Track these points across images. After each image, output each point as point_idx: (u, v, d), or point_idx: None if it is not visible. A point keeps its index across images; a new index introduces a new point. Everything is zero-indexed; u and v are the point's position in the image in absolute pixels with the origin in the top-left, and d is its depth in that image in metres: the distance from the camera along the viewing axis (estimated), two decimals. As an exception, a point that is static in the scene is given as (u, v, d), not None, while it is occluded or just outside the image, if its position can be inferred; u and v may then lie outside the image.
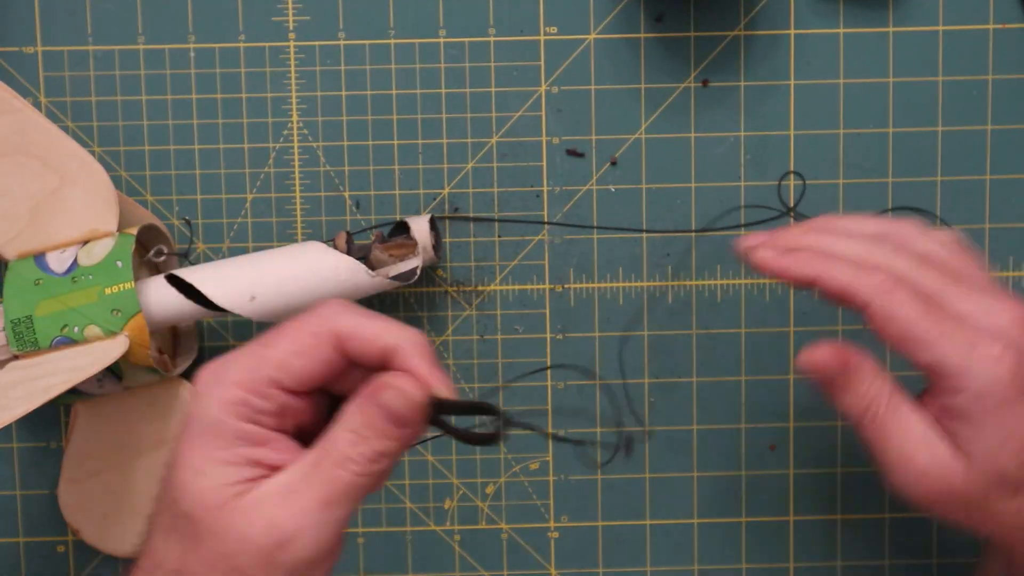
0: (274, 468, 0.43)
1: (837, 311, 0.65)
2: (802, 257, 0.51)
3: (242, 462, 0.43)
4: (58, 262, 0.59)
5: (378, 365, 0.44)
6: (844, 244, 0.52)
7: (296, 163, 0.65)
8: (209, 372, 0.44)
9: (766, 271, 0.51)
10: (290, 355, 0.43)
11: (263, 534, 0.42)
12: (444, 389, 0.44)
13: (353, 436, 0.43)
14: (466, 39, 0.64)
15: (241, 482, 0.43)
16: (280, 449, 0.44)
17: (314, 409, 0.46)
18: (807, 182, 0.65)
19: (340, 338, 0.44)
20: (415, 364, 0.44)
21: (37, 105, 0.64)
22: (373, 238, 0.61)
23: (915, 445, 0.50)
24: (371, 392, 0.43)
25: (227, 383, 0.43)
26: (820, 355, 0.51)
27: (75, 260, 0.59)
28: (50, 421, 0.65)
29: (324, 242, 0.60)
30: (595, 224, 0.65)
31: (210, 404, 0.43)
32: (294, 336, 0.44)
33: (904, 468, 0.50)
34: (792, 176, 0.65)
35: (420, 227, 0.61)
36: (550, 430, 0.64)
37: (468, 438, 0.45)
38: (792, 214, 0.65)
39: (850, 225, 0.53)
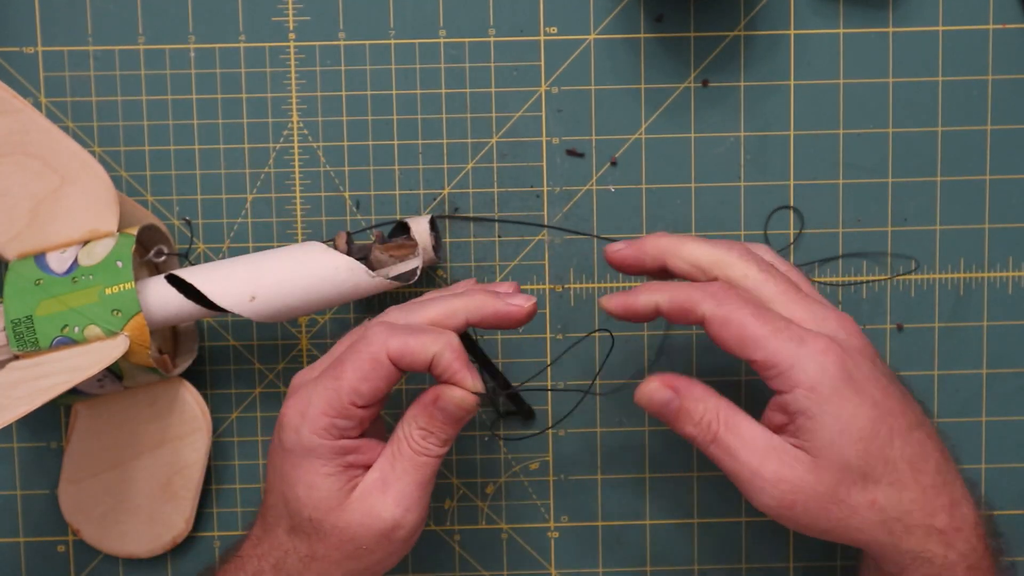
0: (367, 466, 0.55)
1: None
2: (641, 291, 0.55)
3: (342, 470, 0.54)
4: (58, 262, 0.59)
5: (426, 369, 0.53)
6: (688, 251, 0.55)
7: (296, 163, 0.65)
8: (295, 410, 0.54)
9: (616, 313, 0.55)
10: (358, 381, 0.53)
11: (377, 519, 0.54)
12: (475, 384, 0.54)
13: (424, 432, 0.54)
14: (466, 39, 0.64)
15: (346, 485, 0.54)
16: (366, 449, 0.55)
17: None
18: (808, 231, 0.65)
19: (393, 358, 0.53)
20: (454, 368, 0.53)
21: (37, 105, 0.64)
22: (373, 238, 0.61)
23: (761, 455, 0.52)
24: (431, 399, 0.54)
25: (315, 415, 0.53)
26: (649, 390, 0.54)
27: (75, 260, 0.59)
28: (50, 421, 0.65)
29: (324, 242, 0.60)
30: (595, 224, 0.65)
31: (305, 434, 0.54)
32: (357, 364, 0.53)
33: (756, 480, 0.52)
34: (791, 212, 0.65)
35: (420, 227, 0.61)
36: (550, 384, 0.64)
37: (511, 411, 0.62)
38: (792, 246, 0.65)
39: (694, 240, 0.56)
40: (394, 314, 0.56)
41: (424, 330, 0.54)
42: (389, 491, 0.54)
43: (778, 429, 0.53)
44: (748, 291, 0.54)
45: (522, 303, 0.55)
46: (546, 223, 0.65)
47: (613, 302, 0.55)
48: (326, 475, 0.54)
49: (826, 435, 0.51)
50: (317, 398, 0.54)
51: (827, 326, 0.53)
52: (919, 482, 0.52)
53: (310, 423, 0.54)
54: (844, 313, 0.54)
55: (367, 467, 0.55)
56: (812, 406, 0.51)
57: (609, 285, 0.65)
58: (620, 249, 0.56)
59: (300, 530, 0.55)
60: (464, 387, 0.53)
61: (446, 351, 0.53)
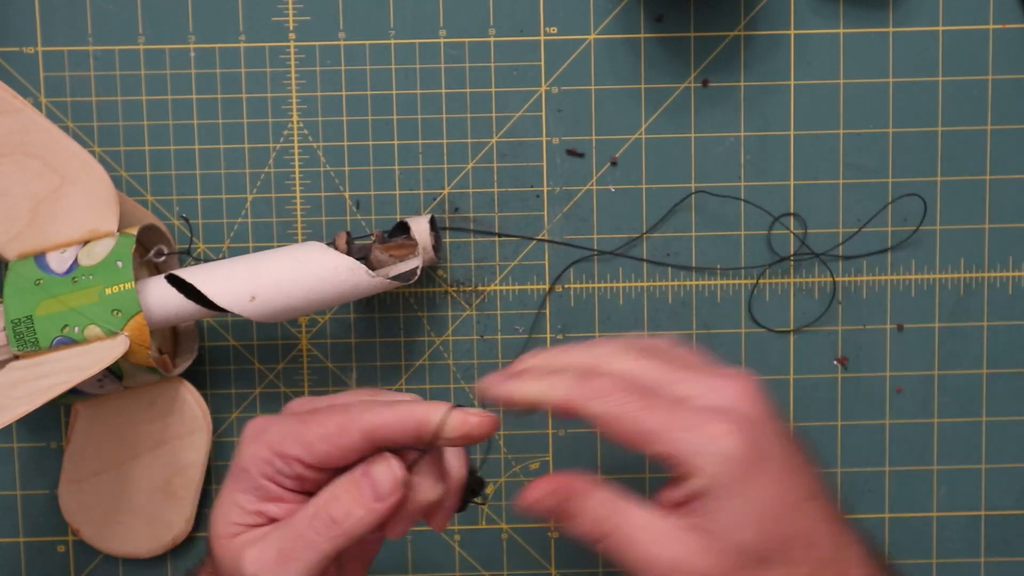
0: (272, 522, 0.50)
1: (837, 310, 0.65)
2: (522, 380, 0.51)
3: (251, 509, 0.50)
4: (58, 262, 0.59)
5: (412, 443, 0.49)
6: (563, 360, 0.52)
7: (296, 163, 0.65)
8: (255, 426, 0.51)
9: (494, 400, 0.51)
10: (317, 438, 0.49)
11: (233, 572, 0.49)
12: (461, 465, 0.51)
13: (329, 496, 0.49)
14: (466, 39, 0.64)
15: (242, 525, 0.50)
16: (285, 509, 0.50)
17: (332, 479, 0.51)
18: (808, 231, 0.65)
19: (366, 432, 0.49)
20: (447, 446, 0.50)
21: (37, 105, 0.64)
22: (373, 238, 0.61)
23: (658, 544, 0.49)
24: (364, 465, 0.49)
25: (261, 442, 0.50)
26: (537, 492, 0.51)
27: (75, 260, 0.59)
28: (50, 421, 0.65)
29: (324, 242, 0.60)
30: (595, 224, 0.65)
31: (244, 454, 0.50)
32: (325, 423, 0.49)
33: (654, 568, 0.49)
34: (792, 219, 0.65)
35: (420, 227, 0.61)
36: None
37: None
38: (792, 260, 0.65)
39: (566, 349, 0.53)
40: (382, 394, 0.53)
41: (409, 402, 0.50)
42: (254, 548, 0.49)
43: (674, 507, 0.50)
44: (634, 381, 0.50)
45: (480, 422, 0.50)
46: (546, 224, 0.65)
47: (491, 390, 0.51)
48: (234, 503, 0.50)
49: (726, 519, 0.49)
50: (275, 428, 0.50)
51: (724, 398, 0.50)
52: (811, 557, 0.50)
53: (254, 447, 0.50)
54: (744, 376, 0.51)
55: (273, 517, 0.51)
56: (713, 491, 0.48)
57: (609, 285, 0.65)
58: (491, 388, 0.52)
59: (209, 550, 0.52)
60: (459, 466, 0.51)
61: (428, 421, 0.49)
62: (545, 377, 0.51)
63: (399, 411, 0.49)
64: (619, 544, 0.50)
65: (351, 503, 0.49)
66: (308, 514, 0.49)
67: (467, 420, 0.50)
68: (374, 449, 0.50)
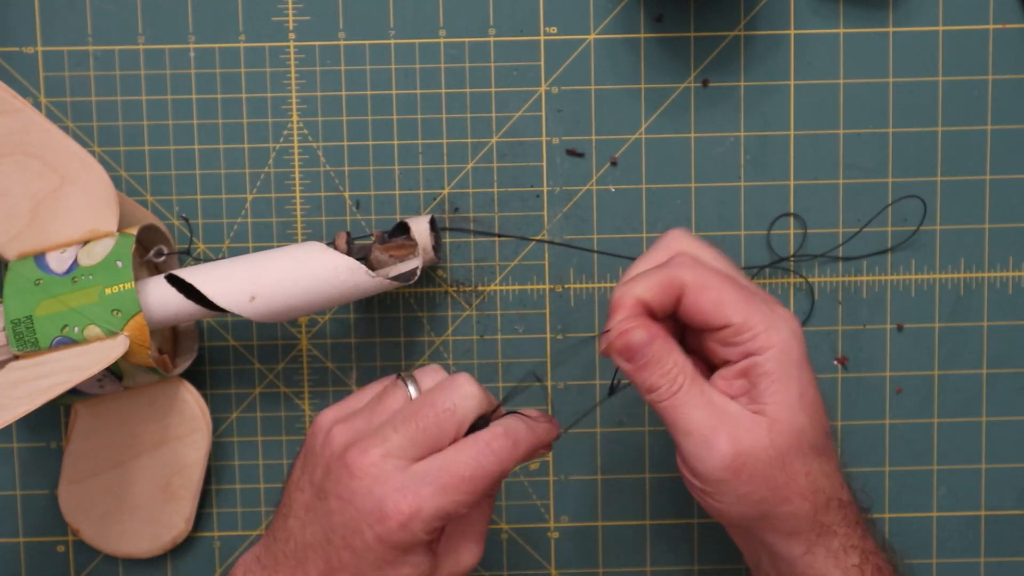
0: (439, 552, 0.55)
1: (837, 310, 0.65)
2: (618, 304, 0.54)
3: (432, 557, 0.55)
4: (58, 262, 0.59)
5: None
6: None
7: (296, 163, 0.65)
8: (418, 517, 0.52)
9: (613, 353, 0.54)
10: (484, 493, 0.53)
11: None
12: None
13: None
14: (466, 39, 0.64)
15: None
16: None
17: None
18: (808, 231, 0.65)
19: (496, 479, 0.53)
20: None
21: (37, 105, 0.64)
22: (373, 238, 0.61)
23: (720, 415, 0.52)
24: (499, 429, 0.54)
25: (434, 519, 0.52)
26: (629, 329, 0.53)
27: (75, 260, 0.59)
28: (50, 421, 0.65)
29: (324, 242, 0.60)
30: (595, 224, 0.65)
31: (418, 533, 0.52)
32: (485, 483, 0.53)
33: (711, 439, 0.52)
34: (792, 220, 0.65)
35: (420, 227, 0.61)
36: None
37: None
38: (792, 260, 0.65)
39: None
40: (466, 388, 0.54)
41: (532, 428, 0.55)
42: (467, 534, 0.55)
43: (733, 397, 0.53)
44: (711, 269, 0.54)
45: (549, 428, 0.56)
46: (545, 224, 0.65)
47: (608, 347, 0.54)
48: (418, 564, 0.53)
49: (789, 399, 0.52)
50: (441, 506, 0.52)
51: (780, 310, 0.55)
52: (835, 457, 0.55)
53: (424, 525, 0.52)
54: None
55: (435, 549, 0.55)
56: (780, 368, 0.52)
57: (609, 285, 0.65)
58: (614, 341, 0.54)
59: None
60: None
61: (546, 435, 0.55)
62: (634, 282, 0.54)
63: (534, 441, 0.54)
64: (684, 407, 0.53)
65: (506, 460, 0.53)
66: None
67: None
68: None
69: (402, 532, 0.51)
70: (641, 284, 0.54)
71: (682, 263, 0.54)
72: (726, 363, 0.54)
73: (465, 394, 0.53)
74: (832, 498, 0.54)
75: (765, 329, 0.53)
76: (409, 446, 0.52)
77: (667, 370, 0.53)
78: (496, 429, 0.53)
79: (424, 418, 0.53)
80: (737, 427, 0.52)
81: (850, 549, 0.54)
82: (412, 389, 0.55)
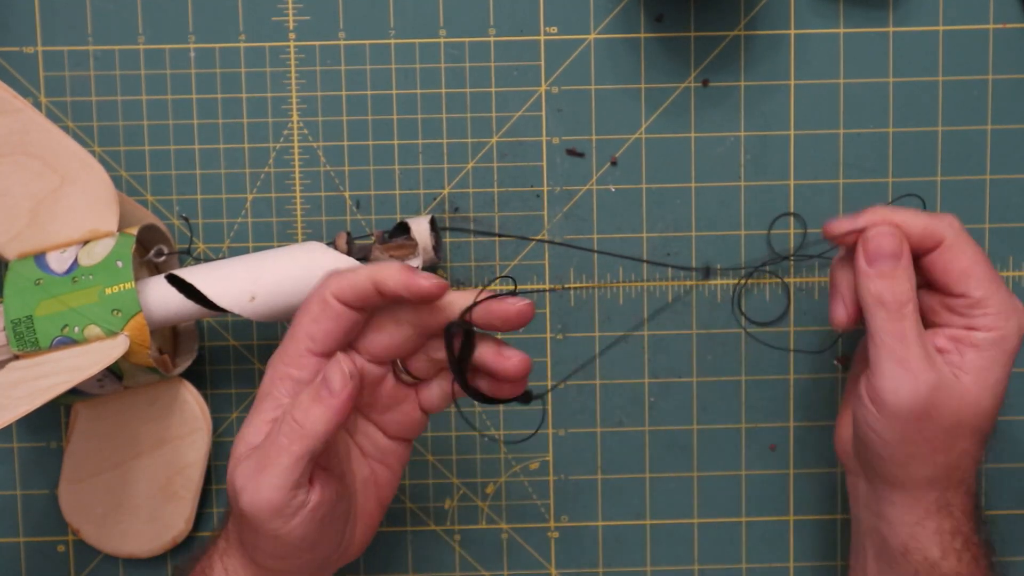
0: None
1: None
2: (873, 213, 0.55)
3: (263, 427, 0.52)
4: (58, 262, 0.59)
5: (378, 299, 0.51)
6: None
7: (296, 163, 0.65)
8: (271, 362, 0.53)
9: (851, 230, 0.55)
10: (310, 324, 0.52)
11: (230, 492, 0.52)
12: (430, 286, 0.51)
13: (294, 403, 0.51)
14: (466, 39, 0.64)
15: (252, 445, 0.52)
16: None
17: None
18: (808, 231, 0.65)
19: (338, 296, 0.51)
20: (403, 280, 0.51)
21: (37, 105, 0.64)
22: (373, 238, 0.61)
23: (930, 360, 0.53)
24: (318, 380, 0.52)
25: (273, 364, 0.53)
26: (886, 234, 0.55)
27: (75, 260, 0.59)
28: (50, 421, 0.65)
29: (324, 242, 0.60)
30: (595, 224, 0.65)
31: (264, 381, 0.53)
32: (306, 308, 0.52)
33: (918, 377, 0.53)
34: (792, 219, 0.65)
35: (420, 227, 0.61)
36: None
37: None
38: (792, 260, 0.65)
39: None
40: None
41: (361, 269, 0.52)
42: (248, 460, 0.52)
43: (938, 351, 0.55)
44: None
45: (428, 280, 0.51)
46: (545, 224, 0.65)
47: (862, 240, 0.55)
48: (249, 428, 0.52)
49: (989, 380, 0.54)
50: (277, 354, 0.53)
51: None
52: (984, 452, 0.56)
53: (268, 373, 0.53)
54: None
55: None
56: (994, 351, 0.54)
57: (609, 285, 0.65)
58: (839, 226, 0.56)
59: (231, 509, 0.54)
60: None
61: (387, 277, 0.51)
62: (894, 214, 0.55)
63: (357, 273, 0.52)
64: (904, 336, 0.54)
65: (309, 403, 0.51)
66: (280, 426, 0.51)
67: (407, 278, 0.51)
68: (365, 312, 0.52)
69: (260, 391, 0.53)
70: (904, 214, 0.55)
71: (948, 220, 0.55)
72: (941, 326, 0.55)
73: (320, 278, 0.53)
74: (964, 482, 0.56)
75: (998, 312, 0.54)
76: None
77: (904, 290, 0.54)
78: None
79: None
80: (941, 381, 0.53)
81: (957, 534, 0.55)
82: None
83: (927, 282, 0.56)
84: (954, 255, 0.55)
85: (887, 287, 0.54)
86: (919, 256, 0.55)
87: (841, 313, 0.56)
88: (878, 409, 0.54)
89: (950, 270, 0.55)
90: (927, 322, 0.56)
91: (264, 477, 0.50)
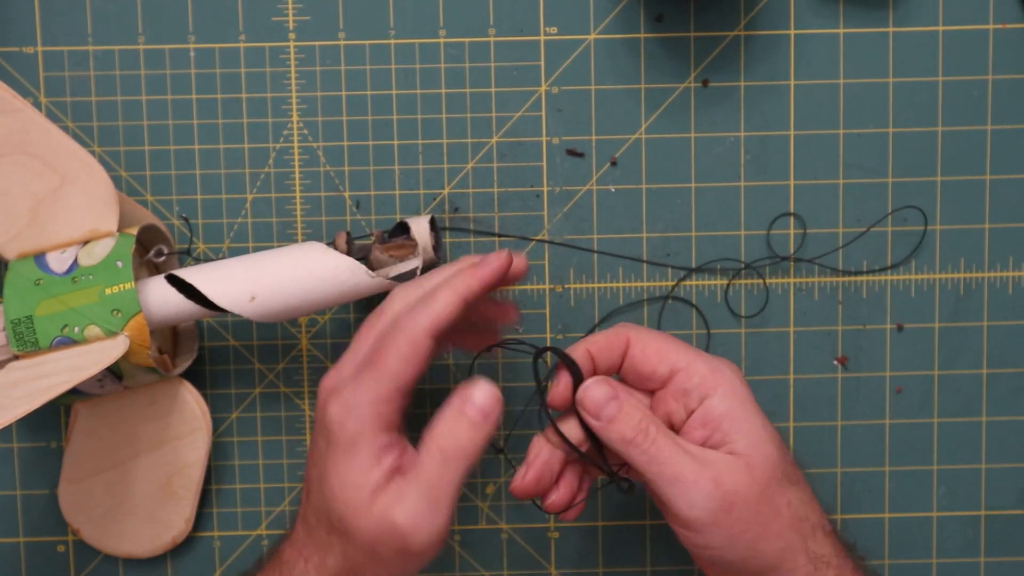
0: (395, 472, 0.53)
1: (837, 310, 0.65)
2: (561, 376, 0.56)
3: (377, 465, 0.53)
4: (58, 262, 0.59)
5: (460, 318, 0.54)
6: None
7: (296, 163, 0.65)
8: (341, 406, 0.53)
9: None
10: (401, 366, 0.53)
11: (389, 528, 0.52)
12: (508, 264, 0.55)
13: (447, 436, 0.53)
14: (466, 39, 0.64)
15: (378, 487, 0.52)
16: (405, 455, 0.54)
17: None
18: (807, 231, 0.65)
19: (432, 334, 0.53)
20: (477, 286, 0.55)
21: (37, 105, 0.64)
22: (373, 238, 0.61)
23: (699, 461, 0.53)
24: (461, 395, 0.54)
25: (360, 405, 0.53)
26: (592, 386, 0.55)
27: (75, 260, 0.59)
28: (50, 421, 0.65)
29: (324, 243, 0.60)
30: (595, 224, 0.65)
31: (351, 425, 0.53)
32: (397, 350, 0.53)
33: (696, 484, 0.53)
34: (792, 219, 0.65)
35: (420, 227, 0.61)
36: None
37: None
38: (792, 260, 0.65)
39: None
40: (401, 295, 0.56)
41: (437, 290, 0.54)
42: (406, 500, 0.53)
43: (700, 444, 0.55)
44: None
45: (497, 259, 0.55)
46: (546, 224, 0.65)
47: (578, 403, 0.56)
48: (361, 471, 0.53)
49: (753, 435, 0.54)
50: (362, 391, 0.53)
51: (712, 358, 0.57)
52: (807, 485, 0.56)
53: (356, 414, 0.53)
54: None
55: (401, 471, 0.54)
56: (735, 407, 0.55)
57: (609, 285, 0.65)
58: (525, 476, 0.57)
59: (335, 530, 0.54)
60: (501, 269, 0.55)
61: (465, 288, 0.54)
62: (579, 347, 0.57)
63: (443, 302, 0.54)
64: (661, 455, 0.54)
65: (467, 433, 0.53)
66: (435, 460, 0.53)
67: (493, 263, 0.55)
68: (441, 345, 0.55)
69: (337, 428, 0.53)
70: (586, 340, 0.56)
71: (625, 325, 0.57)
72: (687, 419, 0.55)
73: (395, 297, 0.56)
74: (817, 526, 0.55)
75: (710, 371, 0.55)
76: (351, 357, 0.55)
77: (637, 421, 0.54)
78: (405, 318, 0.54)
79: (361, 331, 0.56)
80: (718, 468, 0.53)
81: (844, 571, 0.55)
82: None
83: (643, 387, 0.57)
84: (644, 343, 0.56)
85: (623, 426, 0.54)
86: (621, 368, 0.56)
87: (518, 481, 0.57)
88: (692, 531, 0.53)
89: (649, 358, 0.56)
90: (676, 422, 0.56)
91: (438, 512, 0.52)
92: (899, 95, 0.64)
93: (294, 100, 0.64)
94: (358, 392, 0.53)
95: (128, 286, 0.58)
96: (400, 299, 0.56)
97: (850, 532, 0.66)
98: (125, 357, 0.58)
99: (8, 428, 0.65)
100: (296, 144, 0.65)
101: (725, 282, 0.65)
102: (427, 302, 0.54)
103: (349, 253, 0.60)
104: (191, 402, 0.62)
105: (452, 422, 0.53)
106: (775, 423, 0.65)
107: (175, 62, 0.64)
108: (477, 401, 0.53)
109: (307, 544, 0.56)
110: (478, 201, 0.65)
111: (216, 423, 0.65)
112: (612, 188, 0.65)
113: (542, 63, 0.64)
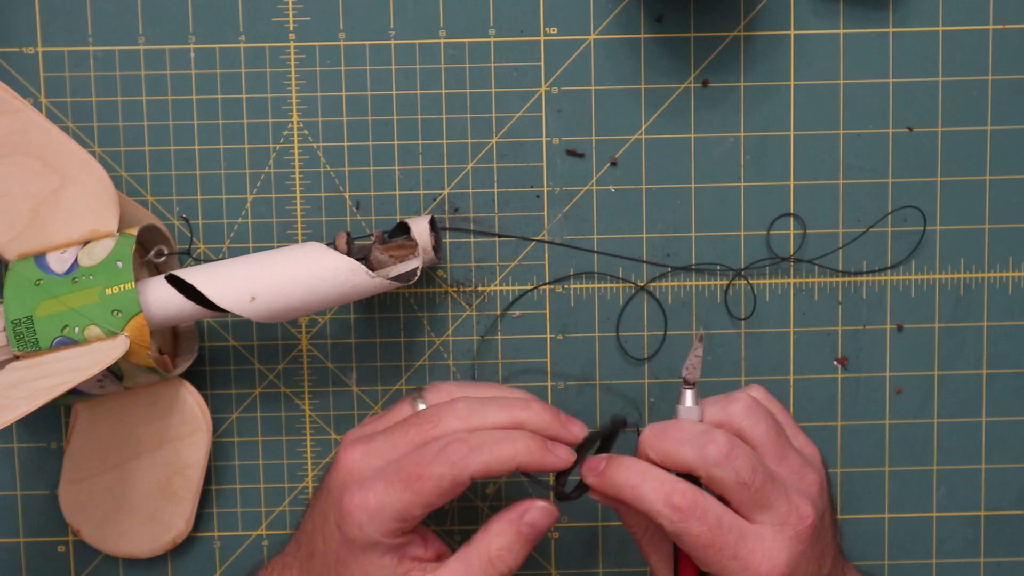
0: (420, 558, 0.55)
1: (837, 310, 0.65)
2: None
3: (399, 562, 0.54)
4: (58, 262, 0.59)
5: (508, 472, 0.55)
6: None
7: (296, 164, 0.65)
8: (364, 509, 0.54)
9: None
10: (437, 499, 0.53)
11: None
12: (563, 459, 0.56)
13: (502, 548, 0.55)
14: (466, 39, 0.64)
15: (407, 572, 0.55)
16: (419, 539, 0.56)
17: None
18: (807, 231, 0.65)
19: (476, 477, 0.54)
20: (540, 466, 0.55)
21: (37, 105, 0.64)
22: (373, 239, 0.61)
23: (739, 522, 0.54)
24: (518, 515, 0.55)
25: (384, 519, 0.53)
26: (589, 463, 0.56)
27: (75, 260, 0.59)
28: (50, 421, 0.66)
29: (324, 243, 0.60)
30: (595, 224, 0.65)
31: (371, 532, 0.54)
32: (438, 484, 0.53)
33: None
34: (792, 220, 0.65)
35: (420, 228, 0.61)
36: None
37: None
38: (792, 260, 0.65)
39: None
40: (462, 412, 0.56)
41: (499, 440, 0.54)
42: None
43: None
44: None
45: (565, 456, 0.56)
46: (546, 224, 0.65)
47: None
48: (382, 567, 0.54)
49: (783, 500, 0.55)
50: (390, 503, 0.54)
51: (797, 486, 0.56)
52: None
53: (378, 524, 0.54)
54: (810, 466, 0.57)
55: (420, 560, 0.55)
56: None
57: (609, 286, 0.65)
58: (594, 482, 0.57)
59: None
60: (553, 469, 0.55)
61: (526, 455, 0.54)
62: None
63: (498, 455, 0.54)
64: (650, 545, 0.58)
65: (521, 547, 0.55)
66: (483, 561, 0.55)
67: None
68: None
69: (356, 529, 0.54)
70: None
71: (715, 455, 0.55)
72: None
73: (454, 412, 0.56)
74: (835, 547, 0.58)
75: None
76: (389, 448, 0.55)
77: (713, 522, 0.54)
78: (461, 442, 0.54)
79: (408, 425, 0.56)
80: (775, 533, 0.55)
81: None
82: (420, 404, 0.58)
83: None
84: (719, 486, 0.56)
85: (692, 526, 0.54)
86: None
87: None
88: None
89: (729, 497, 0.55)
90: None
91: None
92: (899, 95, 0.64)
93: (294, 100, 0.64)
94: (386, 503, 0.53)
95: (128, 286, 0.58)
96: (459, 418, 0.56)
97: (850, 532, 0.66)
98: (125, 357, 0.58)
99: (8, 428, 0.65)
100: (296, 144, 0.65)
101: (725, 282, 0.65)
102: (487, 447, 0.54)
103: (349, 253, 0.60)
104: (191, 402, 0.62)
105: (512, 541, 0.55)
106: (775, 423, 0.66)
107: (175, 62, 0.64)
108: (538, 525, 0.55)
109: None
110: (478, 201, 0.65)
111: (216, 423, 0.65)
112: (612, 188, 0.65)
113: (542, 63, 0.64)
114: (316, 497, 0.59)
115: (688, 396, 0.56)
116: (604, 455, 0.56)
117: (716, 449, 0.53)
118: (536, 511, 0.55)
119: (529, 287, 0.65)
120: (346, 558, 0.55)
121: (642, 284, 0.65)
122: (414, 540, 0.55)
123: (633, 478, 0.54)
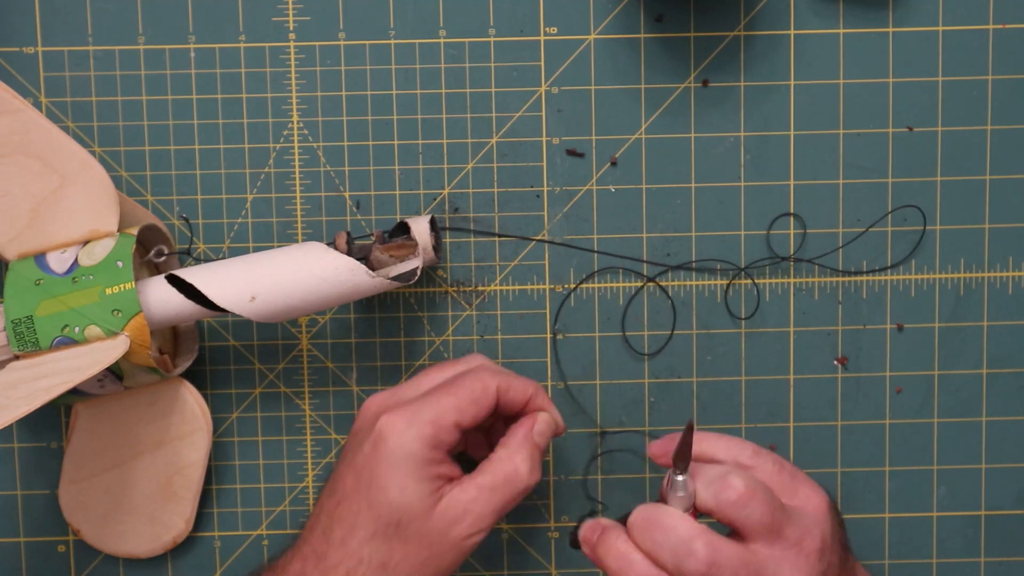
0: (450, 478, 0.57)
1: (837, 310, 0.65)
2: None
3: (432, 479, 0.56)
4: (58, 262, 0.59)
5: (520, 408, 0.60)
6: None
7: (296, 163, 0.65)
8: (402, 418, 0.57)
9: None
10: (468, 403, 0.57)
11: (457, 531, 0.56)
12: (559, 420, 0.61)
13: (529, 463, 0.58)
14: (466, 39, 0.64)
15: (434, 494, 0.56)
16: (452, 467, 0.58)
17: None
18: (807, 231, 0.65)
19: (500, 391, 0.58)
20: (547, 407, 0.60)
21: (37, 105, 0.64)
22: (373, 238, 0.61)
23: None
24: (528, 428, 0.59)
25: (423, 423, 0.56)
26: (584, 531, 0.57)
27: (75, 260, 0.59)
28: (50, 421, 0.66)
29: (324, 243, 0.60)
30: (595, 224, 0.65)
31: (410, 439, 0.56)
32: (469, 389, 0.58)
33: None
34: (792, 219, 0.65)
35: (420, 227, 0.61)
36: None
37: None
38: (792, 260, 0.65)
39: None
40: (486, 361, 0.61)
41: (519, 377, 0.59)
42: (475, 508, 0.57)
43: None
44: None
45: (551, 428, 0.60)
46: (546, 224, 0.65)
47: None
48: (419, 480, 0.56)
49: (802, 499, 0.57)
50: (428, 409, 0.57)
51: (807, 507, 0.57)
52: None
53: (417, 430, 0.56)
54: (820, 494, 0.58)
55: (450, 480, 0.57)
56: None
57: (609, 286, 0.65)
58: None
59: (382, 536, 0.56)
60: (557, 420, 0.60)
61: (540, 393, 0.60)
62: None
63: (518, 380, 0.59)
64: None
65: (539, 457, 0.59)
66: (508, 472, 0.58)
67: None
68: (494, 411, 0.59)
69: (395, 437, 0.56)
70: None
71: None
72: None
73: (477, 359, 0.61)
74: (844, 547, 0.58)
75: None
76: (413, 389, 0.59)
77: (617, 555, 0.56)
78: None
79: (431, 379, 0.60)
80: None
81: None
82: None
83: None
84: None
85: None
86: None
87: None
88: None
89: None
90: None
91: (496, 517, 0.58)
92: (899, 95, 0.64)
93: (294, 100, 0.64)
94: (423, 410, 0.57)
95: (128, 286, 0.58)
96: (483, 360, 0.61)
97: (850, 532, 0.66)
98: (125, 357, 0.58)
99: (8, 428, 0.65)
100: (296, 144, 0.65)
101: (725, 282, 0.65)
102: (508, 373, 0.59)
103: (349, 253, 0.60)
104: (191, 402, 0.62)
105: (527, 454, 0.58)
106: (775, 423, 0.66)
107: (175, 62, 0.64)
108: (544, 433, 0.59)
109: (330, 556, 0.57)
110: (478, 201, 0.65)
111: (216, 423, 0.65)
112: (612, 188, 0.65)
113: (542, 63, 0.64)
114: (337, 463, 0.60)
115: (679, 484, 0.55)
116: (600, 522, 0.57)
117: (694, 565, 0.53)
118: (542, 422, 0.59)
119: (529, 287, 0.65)
120: (382, 474, 0.56)
121: (650, 278, 0.65)
122: (446, 460, 0.57)
123: (616, 563, 0.55)
